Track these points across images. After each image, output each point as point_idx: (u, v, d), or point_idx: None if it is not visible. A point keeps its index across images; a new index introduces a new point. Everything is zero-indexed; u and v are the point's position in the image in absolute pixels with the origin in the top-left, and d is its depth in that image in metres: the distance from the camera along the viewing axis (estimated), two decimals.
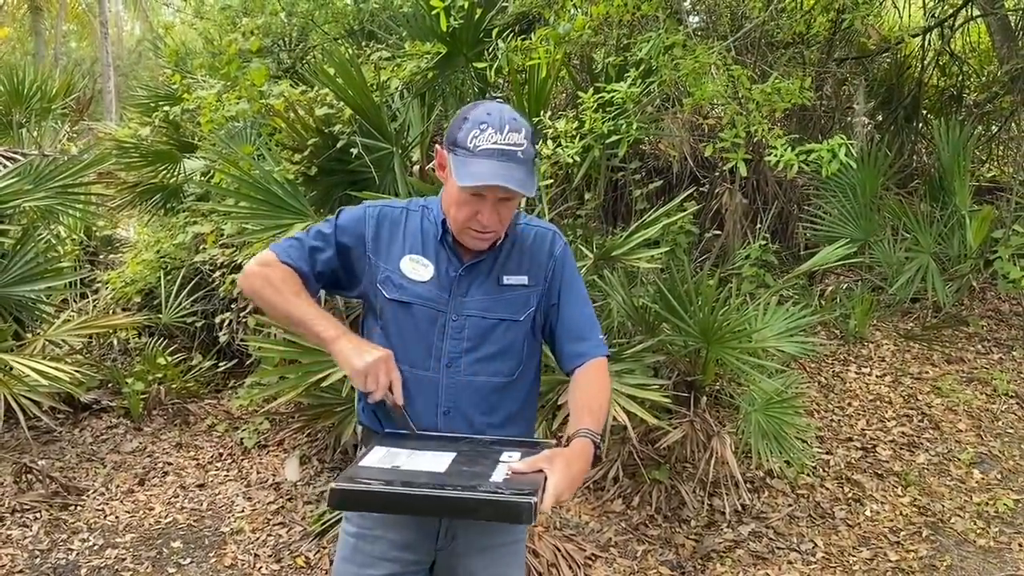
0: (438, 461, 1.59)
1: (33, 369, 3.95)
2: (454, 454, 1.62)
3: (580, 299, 1.89)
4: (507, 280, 1.81)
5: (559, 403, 3.25)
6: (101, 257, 6.39)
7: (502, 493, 1.45)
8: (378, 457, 1.62)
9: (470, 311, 1.78)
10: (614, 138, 3.43)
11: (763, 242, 5.51)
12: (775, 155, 3.01)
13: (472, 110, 1.71)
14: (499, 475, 1.53)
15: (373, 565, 1.81)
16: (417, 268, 1.79)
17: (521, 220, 1.87)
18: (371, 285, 1.82)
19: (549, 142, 3.38)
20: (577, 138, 3.38)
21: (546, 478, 1.52)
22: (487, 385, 1.79)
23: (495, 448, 1.69)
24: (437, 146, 1.79)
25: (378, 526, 1.81)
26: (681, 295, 3.55)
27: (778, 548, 3.53)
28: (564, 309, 1.86)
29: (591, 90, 3.49)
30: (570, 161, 3.35)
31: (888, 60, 7.20)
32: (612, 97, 3.38)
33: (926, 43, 7.10)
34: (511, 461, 1.59)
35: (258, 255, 1.85)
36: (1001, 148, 7.81)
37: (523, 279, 1.82)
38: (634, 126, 3.35)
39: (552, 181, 3.58)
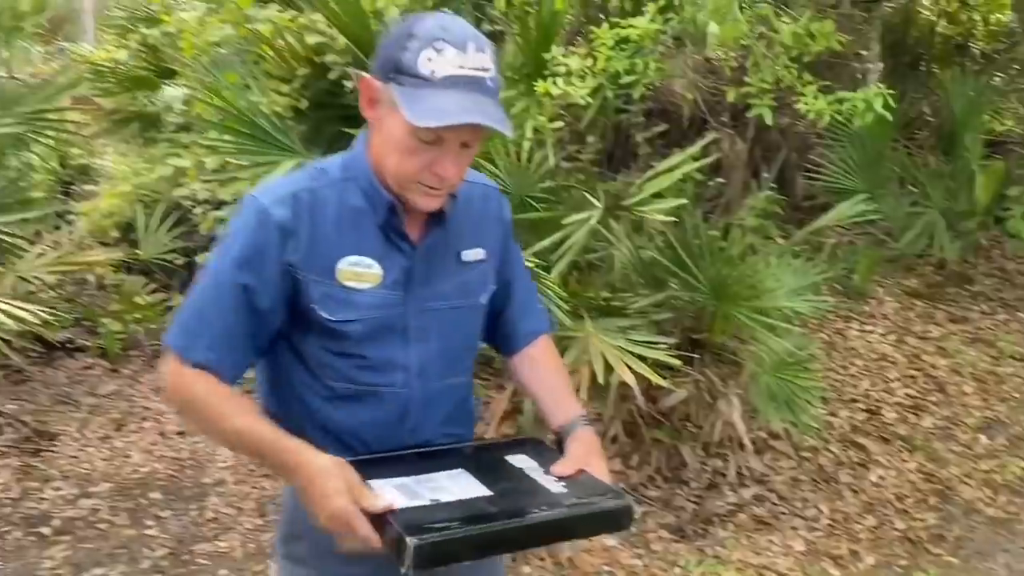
0: (468, 485, 1.29)
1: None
2: (463, 471, 1.33)
3: (524, 268, 1.63)
4: (466, 256, 1.45)
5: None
6: (75, 187, 6.09)
7: (595, 503, 1.24)
8: (394, 495, 1.23)
9: (434, 304, 1.41)
10: (628, 79, 3.20)
11: (768, 192, 5.31)
12: (805, 103, 2.80)
13: (418, 24, 1.25)
14: (553, 486, 1.30)
15: None
16: (361, 275, 1.34)
17: None
18: (298, 308, 1.35)
19: (559, 80, 3.14)
20: (588, 77, 3.13)
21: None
22: (455, 388, 1.49)
23: (494, 455, 1.43)
24: (361, 75, 1.32)
25: (336, 562, 1.37)
26: (692, 248, 3.36)
27: (782, 514, 3.42)
28: (516, 284, 1.58)
29: (605, 25, 3.24)
30: (581, 103, 3.12)
31: (895, 4, 6.94)
32: (629, 34, 3.14)
33: None
34: (532, 468, 1.37)
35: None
36: (1011, 100, 7.61)
37: (480, 253, 1.47)
38: (652, 67, 3.11)
39: (562, 125, 3.33)
